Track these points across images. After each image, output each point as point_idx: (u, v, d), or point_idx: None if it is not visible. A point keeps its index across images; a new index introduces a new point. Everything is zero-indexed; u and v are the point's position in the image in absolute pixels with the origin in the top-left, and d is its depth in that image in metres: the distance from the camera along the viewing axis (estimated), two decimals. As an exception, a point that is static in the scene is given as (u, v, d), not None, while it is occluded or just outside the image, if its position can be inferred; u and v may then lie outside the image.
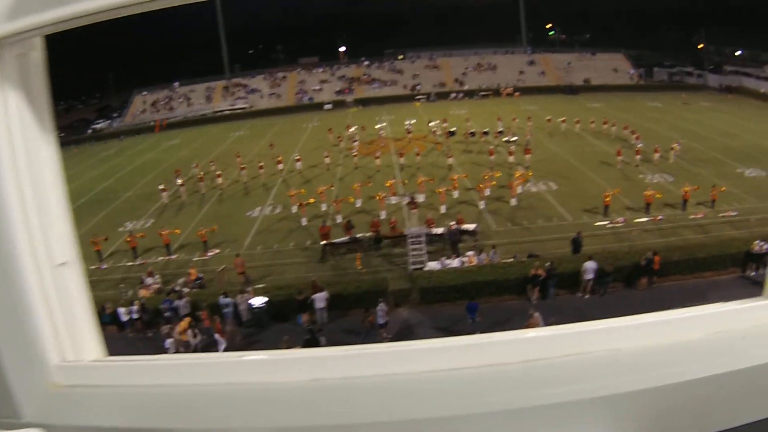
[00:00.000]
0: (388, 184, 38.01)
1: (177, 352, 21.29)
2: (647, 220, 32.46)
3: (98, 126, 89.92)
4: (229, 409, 1.97)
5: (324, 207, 36.30)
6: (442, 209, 34.77)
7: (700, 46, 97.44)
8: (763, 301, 2.10)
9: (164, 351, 21.60)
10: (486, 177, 37.39)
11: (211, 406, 2.00)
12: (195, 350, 22.18)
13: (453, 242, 29.56)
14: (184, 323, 22.73)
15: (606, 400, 1.80)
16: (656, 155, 42.84)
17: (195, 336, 22.62)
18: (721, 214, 32.40)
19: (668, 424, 1.87)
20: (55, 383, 2.13)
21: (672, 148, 43.50)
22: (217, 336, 22.70)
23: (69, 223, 2.21)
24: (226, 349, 21.88)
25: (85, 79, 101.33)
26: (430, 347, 2.08)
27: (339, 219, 34.20)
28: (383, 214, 34.18)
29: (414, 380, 1.95)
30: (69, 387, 2.14)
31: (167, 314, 24.74)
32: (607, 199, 33.09)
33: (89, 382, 2.16)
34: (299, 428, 1.89)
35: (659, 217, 32.65)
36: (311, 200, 35.54)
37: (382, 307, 23.03)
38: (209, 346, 22.55)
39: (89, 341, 2.26)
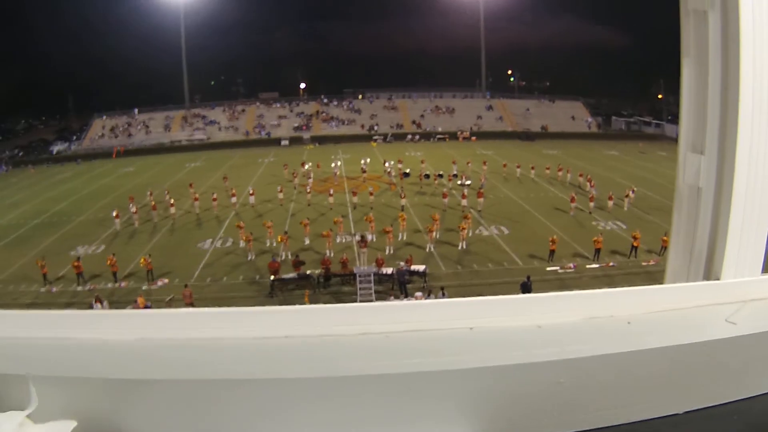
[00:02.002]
0: (336, 221, 37.93)
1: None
2: (598, 267, 32.42)
3: (56, 147, 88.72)
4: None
5: (274, 242, 35.80)
6: (392, 250, 34.51)
7: (659, 96, 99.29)
8: (660, 287, 2.15)
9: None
10: (436, 219, 37.30)
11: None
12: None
13: (401, 282, 29.35)
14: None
15: (456, 373, 1.78)
16: (610, 202, 43.16)
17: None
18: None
19: (527, 401, 1.83)
20: None
21: (626, 196, 43.89)
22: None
23: None
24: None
25: (47, 99, 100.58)
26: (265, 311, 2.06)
27: (289, 255, 33.71)
28: (333, 252, 33.81)
29: (245, 344, 1.92)
30: None
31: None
32: (553, 245, 33.06)
33: None
34: (128, 381, 1.78)
35: (611, 264, 32.67)
36: (251, 241, 35.09)
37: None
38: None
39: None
